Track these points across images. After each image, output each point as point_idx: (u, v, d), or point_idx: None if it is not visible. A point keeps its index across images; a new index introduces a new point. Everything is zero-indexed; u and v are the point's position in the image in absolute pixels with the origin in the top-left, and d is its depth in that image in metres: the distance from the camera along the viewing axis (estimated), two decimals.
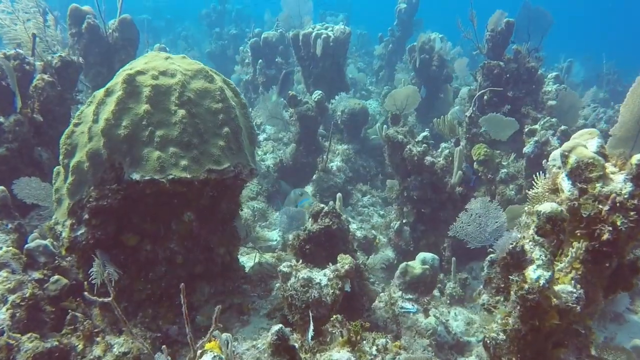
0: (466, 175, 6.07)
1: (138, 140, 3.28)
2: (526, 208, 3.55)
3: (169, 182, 3.23)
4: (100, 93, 3.49)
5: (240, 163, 3.58)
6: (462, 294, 5.57)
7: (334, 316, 2.73)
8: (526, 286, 2.58)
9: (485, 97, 7.38)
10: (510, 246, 3.16)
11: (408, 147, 5.98)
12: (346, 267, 2.99)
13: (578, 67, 14.94)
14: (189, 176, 3.27)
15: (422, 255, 5.21)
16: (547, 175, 3.49)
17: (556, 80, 8.37)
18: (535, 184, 3.33)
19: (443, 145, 6.68)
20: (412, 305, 4.71)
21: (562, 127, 5.98)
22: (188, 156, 3.32)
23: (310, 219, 4.30)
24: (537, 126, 6.26)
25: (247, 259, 5.19)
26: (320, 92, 7.56)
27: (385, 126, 6.22)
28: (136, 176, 3.21)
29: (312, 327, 2.70)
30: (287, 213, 4.36)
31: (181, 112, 3.36)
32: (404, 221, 6.38)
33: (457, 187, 6.01)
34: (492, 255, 3.44)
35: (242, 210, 4.05)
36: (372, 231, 6.29)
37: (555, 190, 3.17)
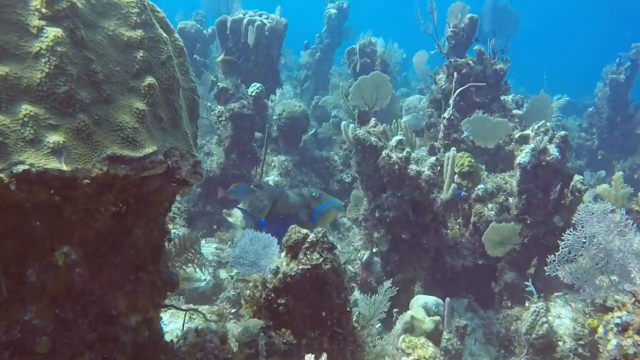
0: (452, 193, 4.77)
1: None
2: None
3: (17, 181, 1.41)
4: None
5: (175, 149, 1.83)
6: (460, 348, 4.18)
7: None
8: None
9: (451, 100, 6.30)
10: None
11: (385, 152, 4.55)
12: None
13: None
14: (66, 169, 1.48)
15: (421, 299, 3.75)
16: None
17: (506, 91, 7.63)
18: None
19: (412, 154, 5.34)
20: None
21: (562, 133, 4.92)
22: (66, 126, 1.52)
23: (284, 254, 2.63)
24: (529, 131, 5.18)
25: (166, 318, 3.34)
26: (259, 85, 5.91)
27: (352, 125, 4.73)
28: None
29: None
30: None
31: (53, 32, 1.57)
32: (374, 250, 4.88)
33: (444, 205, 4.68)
34: (620, 314, 2.03)
35: (169, 240, 2.27)
36: (348, 267, 4.69)
37: None
